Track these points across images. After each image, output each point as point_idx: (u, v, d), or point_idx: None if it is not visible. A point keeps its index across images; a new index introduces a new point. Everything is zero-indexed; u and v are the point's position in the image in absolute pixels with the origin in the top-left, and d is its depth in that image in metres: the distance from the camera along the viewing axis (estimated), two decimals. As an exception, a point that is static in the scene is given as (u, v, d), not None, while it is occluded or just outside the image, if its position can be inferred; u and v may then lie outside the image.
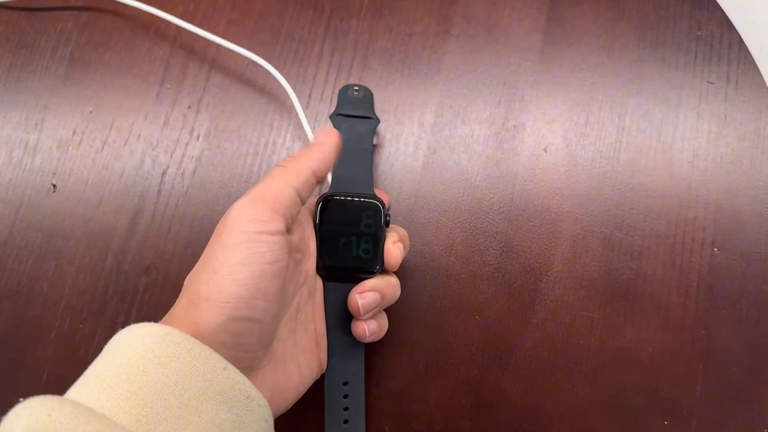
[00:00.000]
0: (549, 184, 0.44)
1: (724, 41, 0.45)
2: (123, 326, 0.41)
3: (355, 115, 0.41)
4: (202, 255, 0.31)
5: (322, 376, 0.37)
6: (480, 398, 0.41)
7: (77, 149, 0.45)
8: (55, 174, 0.45)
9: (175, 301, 0.38)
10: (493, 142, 0.45)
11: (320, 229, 0.37)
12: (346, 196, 0.37)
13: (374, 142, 0.42)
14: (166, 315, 0.31)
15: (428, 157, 0.44)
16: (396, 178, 0.44)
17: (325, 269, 0.36)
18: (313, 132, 0.43)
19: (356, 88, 0.42)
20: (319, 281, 0.37)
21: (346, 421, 0.37)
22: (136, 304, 0.43)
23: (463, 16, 0.47)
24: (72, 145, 0.45)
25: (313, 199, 0.38)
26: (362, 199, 0.37)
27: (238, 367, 0.29)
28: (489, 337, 0.42)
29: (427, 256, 0.43)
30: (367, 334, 0.35)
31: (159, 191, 0.44)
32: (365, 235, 0.36)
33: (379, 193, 0.39)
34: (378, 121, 0.41)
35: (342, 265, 0.36)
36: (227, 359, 0.29)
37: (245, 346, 0.30)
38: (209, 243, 0.31)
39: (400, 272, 0.42)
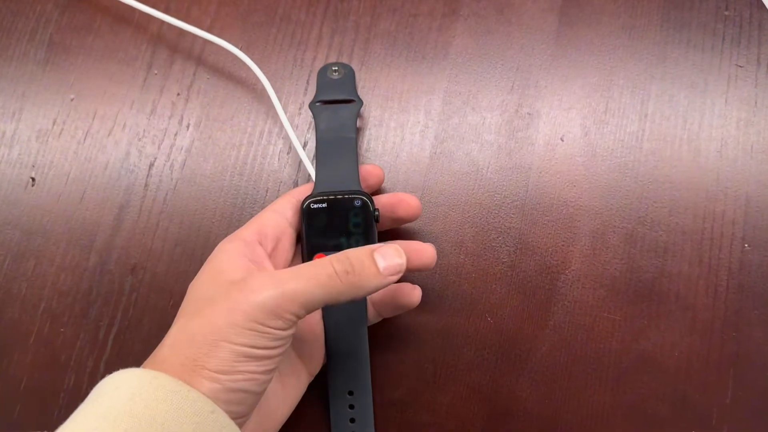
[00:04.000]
0: (566, 175, 0.43)
1: (754, 22, 0.44)
2: (107, 330, 0.41)
3: (336, 100, 0.40)
4: (191, 292, 0.32)
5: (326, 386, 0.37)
6: (493, 407, 0.40)
7: (57, 140, 0.44)
8: (33, 167, 0.44)
9: (162, 304, 0.37)
10: (506, 131, 0.43)
11: (307, 237, 0.37)
12: (329, 196, 0.37)
13: (357, 125, 0.41)
14: (153, 353, 0.31)
15: (436, 148, 0.43)
16: (401, 170, 0.43)
17: None
18: (291, 127, 0.42)
19: (335, 67, 0.41)
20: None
21: None
22: (122, 306, 0.42)
23: (473, -4, 0.46)
24: (52, 136, 0.44)
25: (297, 205, 0.38)
26: (347, 197, 0.37)
27: None
28: (502, 340, 0.41)
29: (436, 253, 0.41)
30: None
31: (146, 185, 0.43)
32: (355, 236, 0.36)
33: (369, 169, 0.39)
34: (361, 103, 0.40)
35: None
36: None
37: (236, 413, 0.30)
38: (204, 287, 0.32)
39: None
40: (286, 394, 0.36)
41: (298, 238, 0.38)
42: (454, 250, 0.42)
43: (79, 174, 0.44)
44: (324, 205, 0.36)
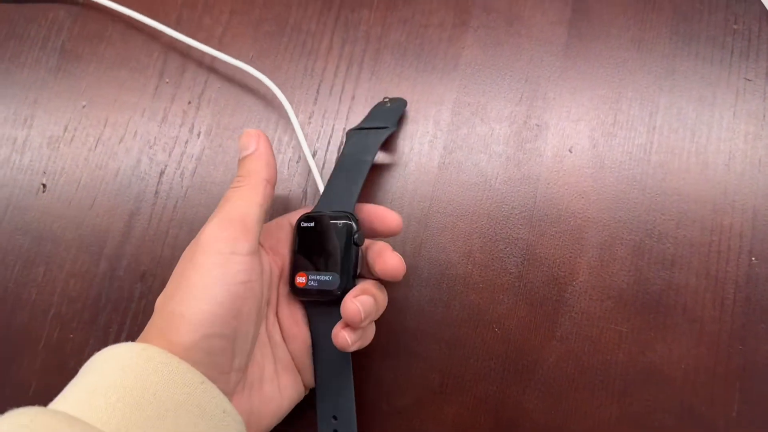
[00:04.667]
0: (574, 187, 0.43)
1: (763, 36, 0.44)
2: (116, 336, 0.41)
3: (369, 127, 0.40)
4: (172, 277, 0.33)
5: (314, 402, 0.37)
6: (499, 417, 0.40)
7: (69, 147, 0.45)
8: (45, 173, 0.44)
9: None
10: (514, 142, 0.44)
11: (293, 254, 0.37)
12: (319, 214, 0.37)
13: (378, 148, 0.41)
14: (139, 337, 0.32)
15: (444, 158, 0.43)
16: (410, 180, 0.43)
17: (296, 292, 0.37)
18: (308, 145, 0.43)
19: (387, 99, 0.42)
20: (295, 303, 0.38)
21: None
22: (131, 312, 0.42)
23: (483, 8, 0.46)
24: (63, 143, 0.45)
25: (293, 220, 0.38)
26: (333, 218, 0.36)
27: None
28: (509, 351, 0.41)
29: (443, 263, 0.42)
30: (350, 342, 0.34)
31: (156, 192, 0.44)
32: (333, 257, 0.36)
33: (381, 213, 0.37)
34: (393, 128, 0.40)
35: (310, 288, 0.36)
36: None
37: (219, 366, 0.31)
38: (179, 265, 0.33)
39: (413, 278, 0.41)
40: (281, 398, 0.36)
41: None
42: (462, 260, 0.42)
43: (89, 181, 0.44)
44: (312, 224, 0.37)
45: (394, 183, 0.43)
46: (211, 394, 0.30)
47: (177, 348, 0.30)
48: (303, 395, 0.38)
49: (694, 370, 0.40)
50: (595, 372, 0.40)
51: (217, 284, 0.31)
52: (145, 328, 0.32)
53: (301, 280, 0.36)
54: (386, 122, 0.41)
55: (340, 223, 0.36)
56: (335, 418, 0.37)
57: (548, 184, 0.43)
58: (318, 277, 0.36)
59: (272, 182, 0.36)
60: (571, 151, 0.43)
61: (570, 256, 0.42)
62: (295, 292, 0.37)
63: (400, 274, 0.35)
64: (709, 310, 0.41)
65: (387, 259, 0.35)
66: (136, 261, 0.43)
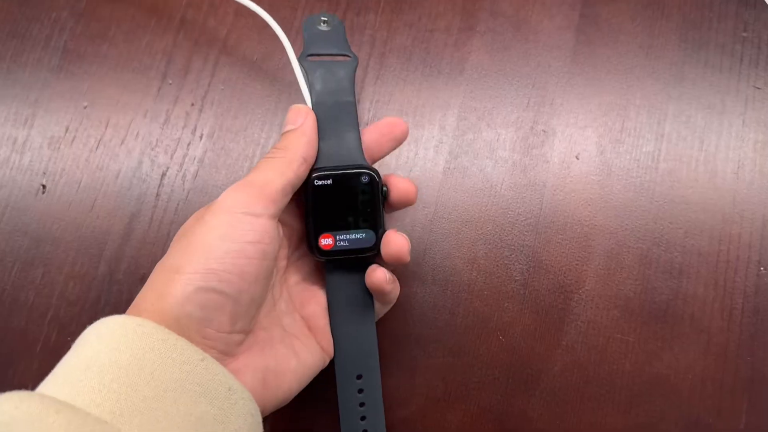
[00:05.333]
0: (581, 194, 0.42)
1: (772, 43, 0.44)
2: None
3: (329, 54, 0.37)
4: (175, 239, 0.33)
5: (332, 370, 0.36)
6: (503, 427, 0.39)
7: (70, 147, 0.44)
8: (45, 174, 0.44)
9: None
10: (521, 148, 0.43)
11: (313, 215, 0.35)
12: (335, 170, 0.35)
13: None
14: (133, 303, 0.31)
15: (450, 163, 0.43)
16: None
17: (321, 254, 0.35)
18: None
19: (324, 18, 0.38)
20: (303, 266, 0.37)
21: (363, 418, 0.36)
22: (130, 316, 0.41)
23: (490, 12, 0.46)
24: (64, 143, 0.44)
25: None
26: (354, 171, 0.35)
27: (211, 351, 0.29)
28: (514, 359, 0.40)
29: (447, 270, 0.41)
30: (387, 278, 0.34)
31: (158, 194, 0.43)
32: (362, 214, 0.35)
33: (392, 121, 0.37)
34: (356, 60, 0.38)
35: (339, 248, 0.35)
36: (195, 334, 0.29)
37: (214, 323, 0.30)
38: (184, 226, 0.33)
39: (416, 284, 0.41)
40: (299, 361, 0.34)
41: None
42: (467, 266, 0.42)
43: (90, 182, 0.44)
44: (329, 181, 0.35)
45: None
46: (213, 371, 0.28)
47: (170, 299, 0.29)
48: (326, 362, 0.36)
49: (701, 381, 0.40)
50: (601, 382, 0.40)
51: (220, 240, 0.30)
52: (141, 290, 0.31)
53: (327, 242, 0.35)
54: (342, 49, 0.38)
55: (363, 177, 0.35)
56: (359, 377, 0.36)
57: (555, 190, 0.43)
58: (348, 236, 0.35)
59: (309, 162, 0.34)
60: (578, 158, 0.43)
61: (576, 264, 0.41)
62: (321, 254, 0.35)
63: (405, 254, 0.34)
64: (717, 321, 0.40)
65: (391, 238, 0.34)
66: (136, 264, 0.42)
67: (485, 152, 0.43)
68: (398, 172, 0.43)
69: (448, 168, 0.43)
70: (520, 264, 0.42)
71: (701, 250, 0.41)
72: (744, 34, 0.44)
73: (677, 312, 0.41)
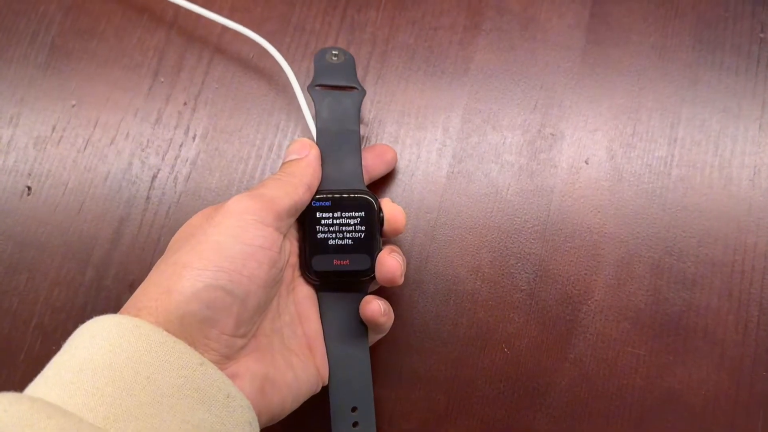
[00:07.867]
0: (590, 200, 0.42)
1: (790, 45, 0.44)
2: None
3: (337, 86, 0.39)
4: (177, 236, 0.33)
5: (327, 398, 0.36)
6: (508, 444, 0.39)
7: (56, 148, 0.43)
8: (30, 175, 0.43)
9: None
10: (528, 152, 0.42)
11: (309, 236, 0.36)
12: (333, 194, 0.36)
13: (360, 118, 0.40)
14: (129, 301, 0.30)
15: (453, 167, 0.42)
16: (416, 190, 0.42)
17: (316, 275, 0.36)
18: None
19: (335, 51, 0.40)
20: (303, 286, 0.37)
21: None
22: (118, 325, 0.40)
23: (496, 9, 0.45)
24: (51, 143, 0.44)
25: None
26: (352, 196, 0.36)
27: (212, 353, 0.29)
28: (519, 373, 0.40)
29: (450, 278, 0.41)
30: (382, 311, 0.35)
31: (148, 197, 0.42)
32: (359, 238, 0.36)
33: (382, 150, 0.40)
34: (364, 92, 0.39)
35: (334, 270, 0.36)
36: (197, 334, 0.29)
37: (219, 324, 0.29)
38: (186, 226, 0.33)
39: (418, 294, 0.40)
40: (296, 376, 0.34)
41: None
42: (470, 275, 0.41)
43: (77, 184, 0.43)
44: (328, 203, 0.36)
45: (400, 192, 0.42)
46: (211, 377, 0.28)
47: (177, 296, 0.28)
48: (319, 387, 0.35)
49: (714, 396, 0.39)
50: (610, 397, 0.39)
51: (233, 240, 0.30)
52: (140, 286, 0.30)
53: (322, 263, 0.36)
54: (350, 82, 0.39)
55: (361, 202, 0.36)
56: (354, 409, 0.36)
57: (563, 196, 0.42)
58: (344, 258, 0.36)
59: (312, 190, 0.36)
60: (587, 163, 0.42)
61: (585, 274, 0.41)
62: (314, 276, 0.36)
63: (397, 278, 0.35)
64: (731, 334, 0.40)
65: (384, 261, 0.35)
66: (125, 270, 0.41)
67: (490, 156, 0.43)
68: (400, 177, 0.42)
69: (452, 172, 0.42)
70: (526, 273, 0.41)
71: (715, 260, 0.41)
72: (761, 35, 0.44)
73: (690, 324, 0.40)
